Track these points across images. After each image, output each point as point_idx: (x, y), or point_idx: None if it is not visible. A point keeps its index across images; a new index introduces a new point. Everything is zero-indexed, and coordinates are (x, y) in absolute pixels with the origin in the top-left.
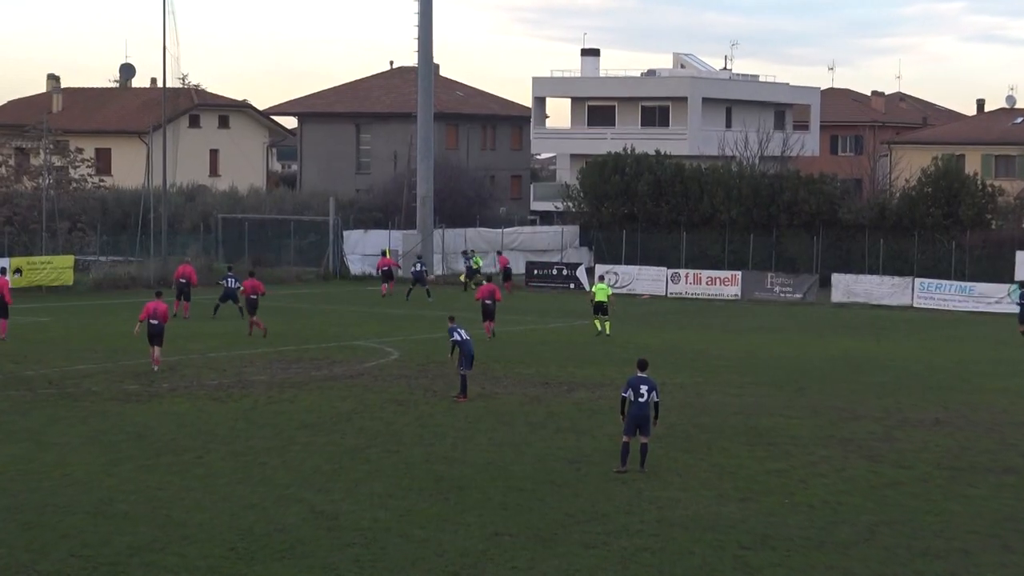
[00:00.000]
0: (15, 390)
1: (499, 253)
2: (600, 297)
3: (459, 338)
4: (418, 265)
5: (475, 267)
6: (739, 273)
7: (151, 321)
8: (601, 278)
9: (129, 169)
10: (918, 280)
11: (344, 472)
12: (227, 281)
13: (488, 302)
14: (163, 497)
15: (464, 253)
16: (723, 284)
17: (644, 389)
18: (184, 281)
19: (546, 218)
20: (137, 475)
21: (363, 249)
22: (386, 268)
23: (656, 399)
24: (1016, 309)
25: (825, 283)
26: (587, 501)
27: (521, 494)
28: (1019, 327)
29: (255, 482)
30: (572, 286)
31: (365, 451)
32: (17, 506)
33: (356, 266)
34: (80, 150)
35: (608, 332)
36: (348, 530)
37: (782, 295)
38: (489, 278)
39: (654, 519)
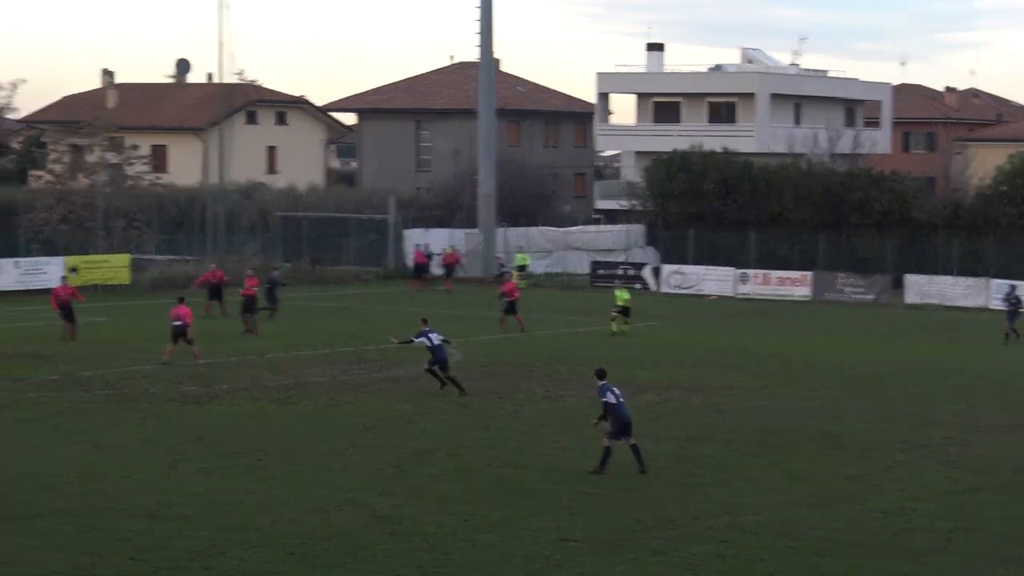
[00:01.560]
0: (72, 391)
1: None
2: (620, 302)
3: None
4: (500, 266)
5: (522, 265)
6: (809, 274)
7: (174, 323)
8: (622, 283)
9: (186, 166)
10: (994, 281)
11: (407, 475)
12: (270, 283)
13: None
14: (223, 500)
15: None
16: (793, 285)
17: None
18: (215, 282)
19: (611, 217)
20: (196, 478)
21: (431, 249)
22: (449, 264)
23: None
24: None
25: (897, 284)
26: (655, 506)
27: (587, 498)
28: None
29: (316, 485)
30: (638, 286)
31: (428, 454)
32: (76, 509)
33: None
34: (136, 147)
35: (622, 331)
36: (411, 535)
37: (853, 296)
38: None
39: (724, 525)
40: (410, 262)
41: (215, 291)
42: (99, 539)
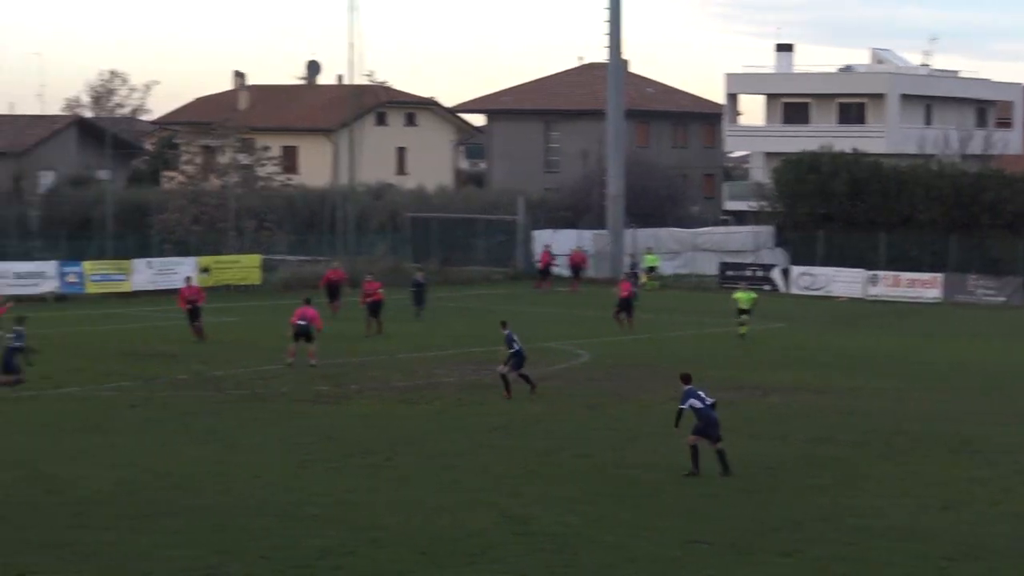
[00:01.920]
0: (204, 391)
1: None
2: (742, 305)
3: (700, 405)
4: (630, 266)
5: (651, 267)
6: (940, 275)
7: (299, 322)
8: (746, 284)
9: (316, 167)
10: None
11: (535, 476)
12: (415, 285)
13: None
14: (353, 500)
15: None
16: (923, 286)
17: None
18: (334, 280)
19: (740, 218)
20: (326, 477)
21: (552, 249)
22: (576, 265)
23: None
24: None
25: None
26: (782, 508)
27: (715, 500)
28: None
29: (445, 485)
30: (767, 288)
31: (556, 455)
32: (208, 507)
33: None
34: (267, 148)
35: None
36: (539, 535)
37: (985, 298)
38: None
39: (851, 527)
40: (538, 263)
41: (334, 291)
42: (230, 537)
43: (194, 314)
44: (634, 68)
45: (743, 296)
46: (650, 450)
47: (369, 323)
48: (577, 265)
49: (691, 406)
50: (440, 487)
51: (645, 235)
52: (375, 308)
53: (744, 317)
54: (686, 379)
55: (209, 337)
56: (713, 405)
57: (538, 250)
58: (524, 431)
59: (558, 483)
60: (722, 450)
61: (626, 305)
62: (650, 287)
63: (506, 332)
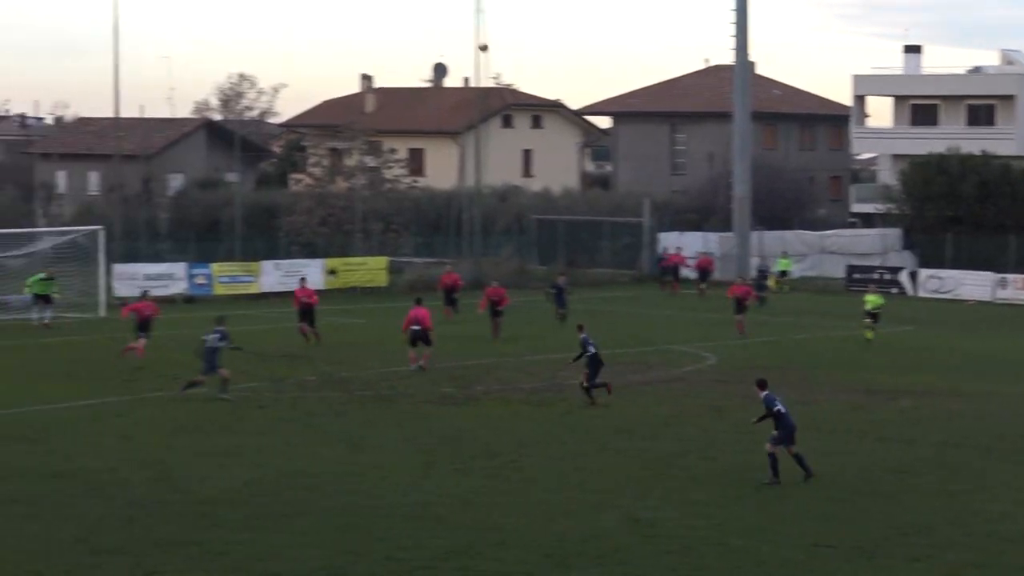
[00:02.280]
0: (331, 392)
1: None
2: (870, 307)
3: (781, 409)
4: (757, 271)
5: (783, 270)
6: None
7: (412, 327)
8: (875, 287)
9: (442, 169)
10: None
11: (660, 479)
12: (556, 289)
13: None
14: (478, 501)
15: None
16: None
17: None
18: (450, 285)
19: (867, 220)
20: (452, 478)
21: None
22: (703, 268)
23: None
24: None
25: None
26: (911, 513)
27: (842, 504)
28: None
29: (570, 487)
30: (895, 290)
31: (682, 458)
32: (334, 508)
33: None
34: (393, 150)
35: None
36: (664, 538)
37: None
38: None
39: (982, 533)
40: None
41: (450, 295)
42: (357, 538)
43: (306, 315)
44: (761, 70)
45: (872, 299)
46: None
47: (495, 326)
48: (704, 268)
49: (779, 411)
50: (565, 489)
51: (771, 238)
52: (497, 312)
53: (869, 321)
54: (762, 385)
55: (321, 339)
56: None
57: (667, 252)
58: (650, 433)
59: (684, 486)
60: (799, 454)
61: (740, 307)
62: (780, 290)
63: (582, 336)
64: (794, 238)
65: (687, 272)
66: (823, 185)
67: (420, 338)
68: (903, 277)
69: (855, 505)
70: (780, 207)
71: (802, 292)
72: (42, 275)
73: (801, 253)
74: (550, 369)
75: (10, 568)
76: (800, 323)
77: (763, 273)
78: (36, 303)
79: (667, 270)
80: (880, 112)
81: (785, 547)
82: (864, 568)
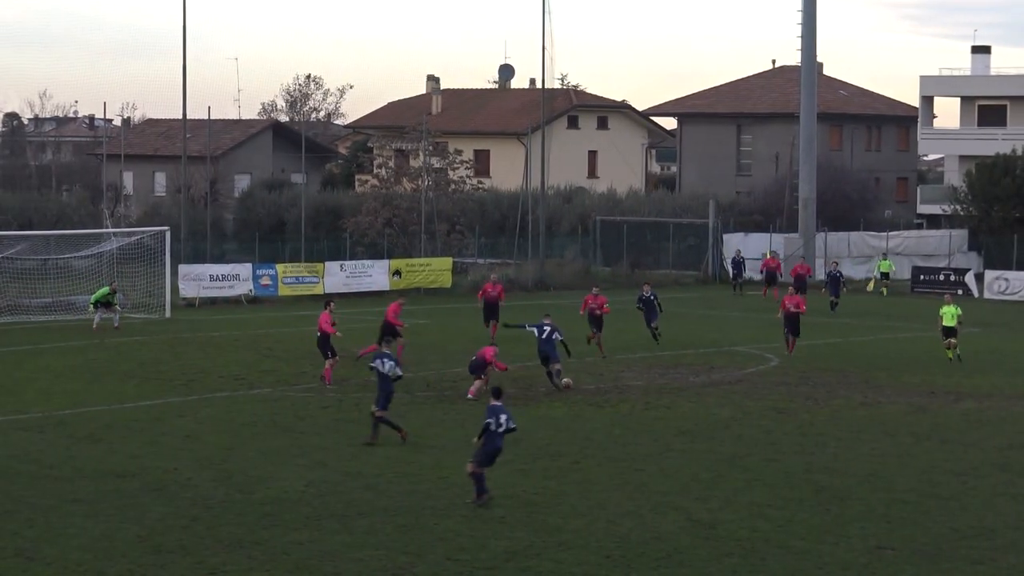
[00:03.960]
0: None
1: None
2: (948, 322)
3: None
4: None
5: (884, 272)
6: None
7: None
8: (949, 296)
9: (507, 171)
10: None
11: (722, 480)
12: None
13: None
14: (539, 502)
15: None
16: None
17: (504, 418)
18: (492, 297)
19: (933, 221)
20: (513, 479)
21: (743, 253)
22: (769, 270)
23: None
24: None
25: None
26: (973, 515)
27: (904, 507)
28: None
29: (632, 489)
30: (960, 292)
31: (744, 459)
32: (395, 508)
33: (735, 269)
34: (459, 151)
35: (959, 358)
36: (726, 540)
37: None
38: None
39: None
40: (756, 269)
41: (491, 309)
42: (418, 538)
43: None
44: (827, 70)
45: (949, 311)
46: (839, 455)
47: (594, 336)
48: (771, 271)
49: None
50: (626, 490)
51: (836, 239)
52: (598, 322)
53: (951, 340)
54: (496, 394)
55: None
56: None
57: (729, 253)
58: (712, 435)
59: (746, 488)
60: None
61: (793, 327)
62: (881, 293)
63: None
64: (859, 239)
65: (750, 274)
66: (889, 186)
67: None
68: (969, 279)
69: (917, 507)
70: (845, 208)
71: (867, 295)
72: (107, 289)
73: (866, 255)
74: (612, 370)
75: (72, 567)
76: (864, 325)
77: (835, 277)
78: (98, 308)
79: (766, 276)
80: (947, 113)
81: (847, 549)
82: (926, 571)
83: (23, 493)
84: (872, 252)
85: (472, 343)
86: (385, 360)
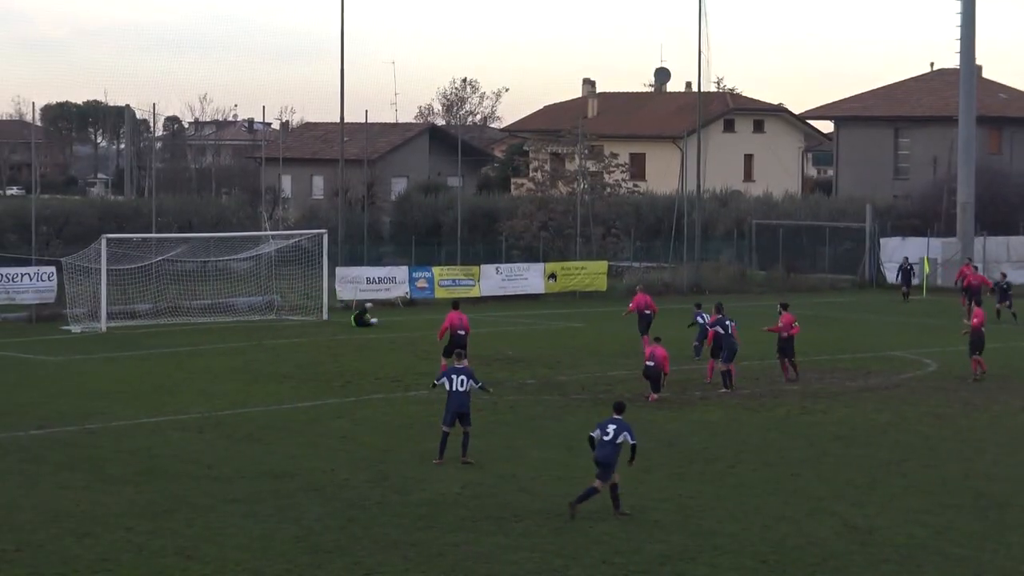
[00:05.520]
0: (549, 395)
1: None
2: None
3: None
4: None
5: None
6: None
7: (647, 364)
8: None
9: (663, 174)
10: None
11: (879, 486)
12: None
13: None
14: (694, 506)
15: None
16: None
17: (612, 428)
18: (648, 312)
19: None
20: (668, 483)
21: (900, 257)
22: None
23: (631, 441)
24: None
25: None
26: None
27: None
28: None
29: (787, 493)
30: None
31: (901, 465)
32: (550, 511)
33: (893, 274)
34: (615, 155)
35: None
36: (882, 546)
37: None
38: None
39: None
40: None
41: (646, 321)
42: (573, 541)
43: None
44: (987, 73)
45: None
46: (999, 461)
47: (785, 367)
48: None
49: (596, 436)
50: (782, 495)
51: (995, 243)
52: (788, 348)
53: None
54: (618, 408)
55: (546, 341)
56: None
57: (886, 258)
58: (868, 440)
59: (903, 493)
60: (614, 485)
61: (977, 343)
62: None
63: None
64: (1019, 244)
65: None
66: None
67: (651, 378)
68: None
69: None
70: (1004, 212)
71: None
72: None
73: None
74: (767, 374)
75: (231, 566)
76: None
77: (906, 272)
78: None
79: (967, 291)
80: None
81: (1006, 556)
82: None
83: (183, 492)
84: None
85: (625, 346)
86: (454, 377)
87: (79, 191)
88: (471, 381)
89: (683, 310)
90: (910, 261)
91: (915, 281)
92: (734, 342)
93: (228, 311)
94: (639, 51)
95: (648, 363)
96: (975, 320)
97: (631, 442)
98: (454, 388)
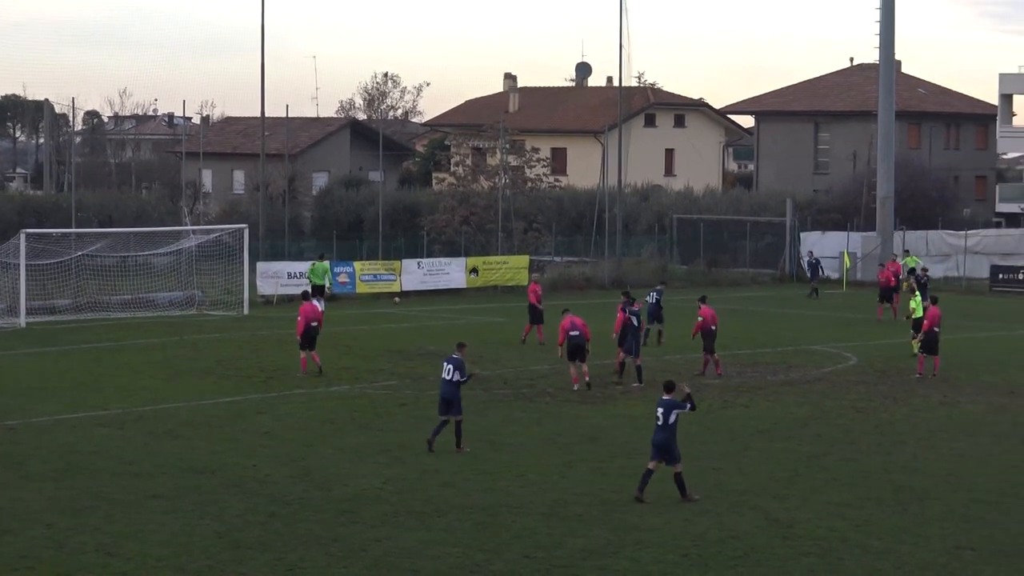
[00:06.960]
0: (472, 390)
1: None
2: (920, 313)
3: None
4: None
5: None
6: None
7: (571, 333)
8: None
9: (584, 169)
10: None
11: (800, 479)
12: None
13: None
14: (616, 500)
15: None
16: None
17: (660, 412)
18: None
19: (1012, 220)
20: (591, 478)
21: (819, 251)
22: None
23: (685, 411)
24: None
25: None
26: None
27: (984, 507)
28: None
29: (709, 487)
30: None
31: (822, 459)
32: (473, 506)
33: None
34: (536, 150)
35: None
36: (804, 539)
37: None
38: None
39: None
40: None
41: (536, 313)
42: (495, 536)
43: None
44: (906, 68)
45: (918, 302)
46: (918, 455)
47: (716, 363)
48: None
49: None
50: (704, 489)
51: (915, 238)
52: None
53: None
54: (668, 387)
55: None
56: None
57: (805, 253)
58: (789, 434)
59: (824, 487)
60: (678, 474)
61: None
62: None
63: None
64: (937, 238)
65: (831, 273)
66: (968, 185)
67: (578, 353)
68: None
69: (997, 507)
70: (924, 207)
71: (945, 292)
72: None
73: (944, 253)
74: (690, 369)
75: (152, 563)
76: (943, 325)
77: (813, 267)
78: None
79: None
80: None
81: (926, 549)
82: (1005, 571)
83: (103, 489)
84: (951, 251)
85: (547, 340)
86: (445, 364)
87: None
88: (457, 372)
89: (606, 304)
90: (815, 255)
91: (822, 275)
92: (639, 336)
93: (149, 306)
94: (560, 46)
95: (572, 332)
96: (926, 323)
97: (685, 412)
98: (443, 376)
